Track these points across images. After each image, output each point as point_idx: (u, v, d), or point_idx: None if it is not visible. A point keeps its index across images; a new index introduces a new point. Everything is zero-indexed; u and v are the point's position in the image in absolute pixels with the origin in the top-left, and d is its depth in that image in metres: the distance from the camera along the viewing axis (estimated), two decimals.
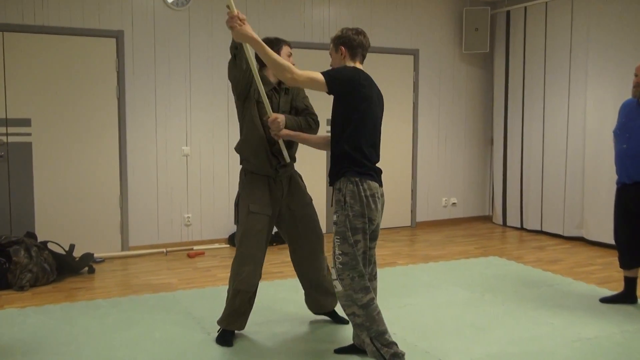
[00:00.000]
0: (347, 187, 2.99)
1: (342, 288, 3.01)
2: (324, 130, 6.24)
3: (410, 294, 4.53)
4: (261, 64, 3.45)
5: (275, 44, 3.43)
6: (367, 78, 3.06)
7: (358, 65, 3.13)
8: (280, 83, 3.53)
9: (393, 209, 7.17)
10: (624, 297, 4.30)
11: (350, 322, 3.31)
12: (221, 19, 6.07)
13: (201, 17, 6.03)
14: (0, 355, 3.34)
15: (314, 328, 3.78)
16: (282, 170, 3.53)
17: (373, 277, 3.21)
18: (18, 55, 5.34)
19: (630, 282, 4.29)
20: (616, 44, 6.03)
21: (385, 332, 3.02)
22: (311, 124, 3.56)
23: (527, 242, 6.57)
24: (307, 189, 3.70)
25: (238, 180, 6.18)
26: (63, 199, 5.58)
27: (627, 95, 4.64)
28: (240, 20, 2.95)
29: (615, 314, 4.08)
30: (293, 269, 5.14)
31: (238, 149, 3.56)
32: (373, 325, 3.00)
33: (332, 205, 3.12)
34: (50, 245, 5.03)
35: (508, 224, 7.42)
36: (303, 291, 3.84)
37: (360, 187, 2.98)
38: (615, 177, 4.28)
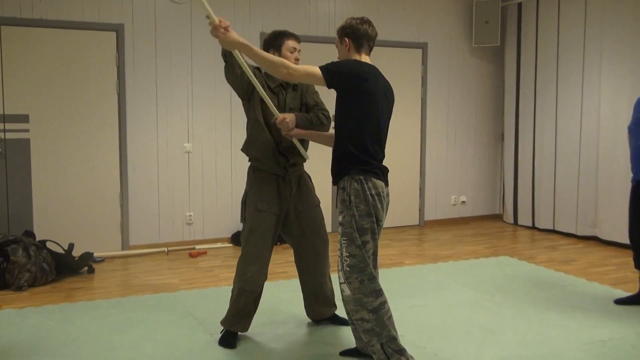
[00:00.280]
0: (352, 185, 2.93)
1: (350, 292, 2.94)
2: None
3: (418, 294, 4.53)
4: None
5: (276, 38, 3.42)
6: (371, 70, 2.98)
7: (364, 58, 3.07)
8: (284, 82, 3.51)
9: (400, 207, 7.17)
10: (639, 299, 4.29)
11: (353, 326, 3.26)
12: (224, 12, 6.07)
13: (203, 10, 6.01)
14: None
15: (318, 329, 3.78)
16: (292, 169, 3.51)
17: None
18: (15, 49, 5.35)
19: None
20: (631, 39, 6.00)
21: (396, 337, 2.97)
22: (323, 120, 3.51)
23: (539, 241, 6.56)
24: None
25: (241, 177, 6.25)
26: (62, 197, 5.60)
27: None
28: (224, 28, 2.86)
29: (630, 315, 4.06)
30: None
31: (244, 149, 3.55)
32: (384, 331, 2.94)
33: (336, 207, 3.07)
34: (48, 245, 5.05)
35: (519, 222, 7.40)
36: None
37: (365, 185, 2.91)
38: (630, 174, 4.26)
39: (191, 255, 5.74)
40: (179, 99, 6.01)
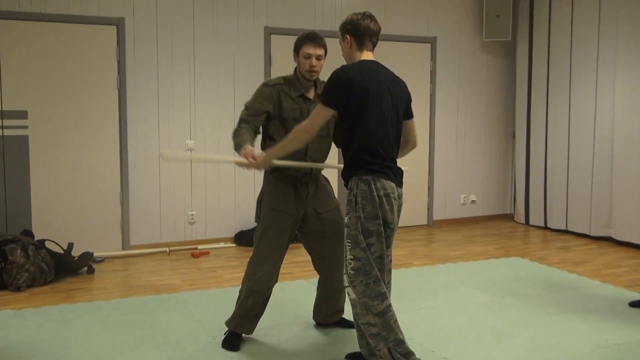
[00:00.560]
0: (359, 186, 2.91)
1: (355, 296, 2.93)
2: None
3: (427, 296, 4.52)
4: (295, 73, 3.48)
5: (298, 42, 3.42)
6: (362, 69, 2.94)
7: (366, 55, 3.04)
8: (312, 94, 3.49)
9: (408, 207, 7.12)
10: None
11: (358, 332, 3.25)
12: (227, 6, 6.08)
13: (206, 3, 6.04)
14: None
15: (324, 332, 3.78)
16: (309, 175, 3.51)
17: (389, 286, 3.13)
18: (14, 44, 5.37)
19: None
20: None
21: (403, 341, 2.96)
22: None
23: (551, 242, 6.54)
24: None
25: (244, 175, 6.25)
26: (61, 195, 5.61)
27: None
28: (253, 158, 3.09)
29: None
30: (303, 270, 5.17)
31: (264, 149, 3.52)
32: (390, 335, 2.93)
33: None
34: (47, 244, 5.06)
35: (531, 222, 7.38)
36: (314, 295, 3.84)
37: (373, 186, 2.89)
38: None
39: (193, 256, 5.75)
40: (181, 95, 6.01)
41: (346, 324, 3.81)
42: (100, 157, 5.74)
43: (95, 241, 5.73)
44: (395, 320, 2.97)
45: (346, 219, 2.98)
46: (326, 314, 3.80)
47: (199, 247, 6.00)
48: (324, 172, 3.71)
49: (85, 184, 5.70)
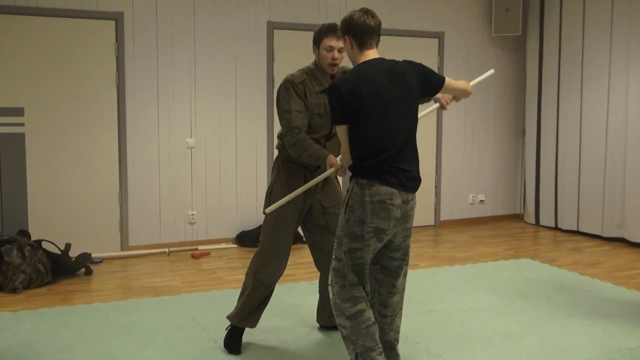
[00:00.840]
0: (354, 189, 2.93)
1: (332, 295, 3.01)
2: None
3: (434, 299, 4.53)
4: (315, 65, 3.44)
5: (318, 33, 3.36)
6: (355, 77, 2.88)
7: (368, 55, 2.96)
8: None
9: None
10: None
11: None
12: (228, 0, 6.08)
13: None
14: None
15: (327, 335, 3.79)
16: (320, 168, 3.51)
17: (397, 290, 3.13)
18: (10, 39, 5.38)
19: None
20: None
21: (372, 348, 2.92)
22: None
23: (562, 243, 6.53)
24: None
25: (246, 174, 6.26)
26: (58, 194, 5.63)
27: None
28: (341, 167, 3.12)
29: None
30: (306, 271, 5.17)
31: (280, 145, 3.51)
32: (359, 340, 2.92)
33: None
34: (44, 245, 5.07)
35: (541, 223, 7.37)
36: (316, 296, 3.85)
37: (366, 191, 2.87)
38: None
39: (194, 256, 5.76)
40: (181, 92, 6.02)
41: None
42: (99, 155, 5.75)
43: (93, 242, 5.74)
44: (368, 327, 2.94)
45: (339, 218, 3.02)
46: (329, 315, 3.79)
47: (200, 247, 6.01)
48: None
49: (83, 183, 5.71)
